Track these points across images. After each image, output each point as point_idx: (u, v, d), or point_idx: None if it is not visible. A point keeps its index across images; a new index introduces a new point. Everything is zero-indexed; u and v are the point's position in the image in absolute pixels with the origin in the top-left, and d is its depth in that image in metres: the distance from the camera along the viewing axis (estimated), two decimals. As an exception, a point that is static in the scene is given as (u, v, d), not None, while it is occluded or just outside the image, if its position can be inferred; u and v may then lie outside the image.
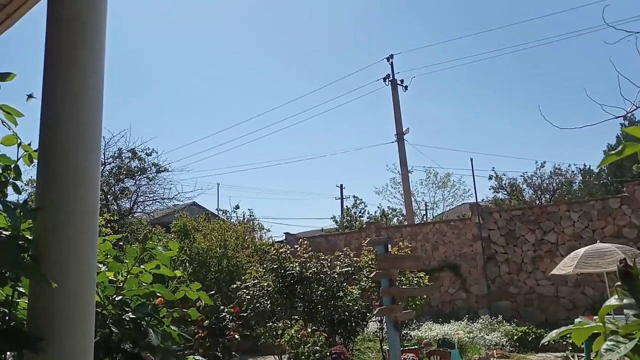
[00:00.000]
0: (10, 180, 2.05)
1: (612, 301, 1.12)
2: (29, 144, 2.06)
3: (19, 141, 2.03)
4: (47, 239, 1.67)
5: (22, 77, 2.07)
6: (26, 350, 1.53)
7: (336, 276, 9.85)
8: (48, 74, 1.84)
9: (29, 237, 1.69)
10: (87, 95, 1.81)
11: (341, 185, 36.12)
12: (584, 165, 27.33)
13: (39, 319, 1.61)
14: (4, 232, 1.60)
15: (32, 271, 1.51)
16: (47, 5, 1.93)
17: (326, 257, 10.52)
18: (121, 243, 2.31)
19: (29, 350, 1.50)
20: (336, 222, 27.94)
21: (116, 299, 2.12)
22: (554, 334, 1.24)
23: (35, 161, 2.05)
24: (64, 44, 1.84)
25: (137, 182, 17.95)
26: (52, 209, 1.67)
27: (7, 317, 1.67)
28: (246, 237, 14.41)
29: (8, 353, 1.62)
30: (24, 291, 1.76)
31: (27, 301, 1.72)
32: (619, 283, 1.12)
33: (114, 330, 2.03)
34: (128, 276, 2.18)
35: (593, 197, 17.92)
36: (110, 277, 2.19)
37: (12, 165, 2.05)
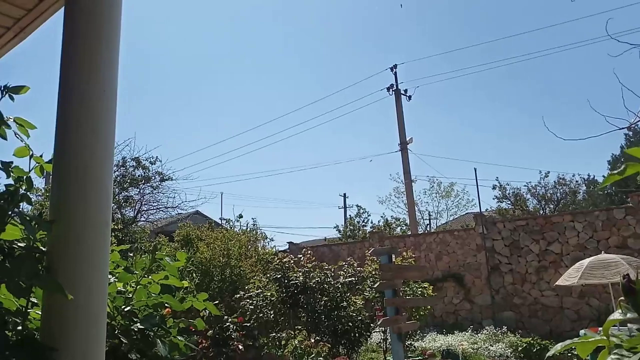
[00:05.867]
0: (23, 191, 2.08)
1: (616, 315, 1.14)
2: (41, 156, 2.09)
3: (31, 153, 2.06)
4: (60, 250, 1.69)
5: (35, 90, 2.11)
6: (39, 360, 1.56)
7: (340, 286, 9.84)
8: (63, 86, 1.88)
9: (43, 249, 1.72)
10: (101, 109, 1.85)
11: (344, 194, 36.18)
12: (588, 175, 27.36)
13: (52, 329, 1.63)
14: (18, 244, 1.63)
15: (49, 282, 1.54)
16: (64, 18, 1.97)
17: (330, 266, 10.53)
18: (131, 254, 2.34)
19: (42, 360, 1.52)
20: (339, 231, 27.90)
21: (125, 309, 2.15)
22: (558, 347, 1.25)
23: (46, 172, 2.09)
24: (80, 58, 1.88)
25: (141, 191, 17.98)
26: (66, 221, 1.70)
27: (19, 327, 1.70)
28: (249, 247, 14.38)
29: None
30: (36, 301, 1.79)
31: (38, 311, 1.75)
32: (622, 298, 1.14)
33: (122, 340, 2.05)
34: (137, 287, 2.20)
35: (597, 208, 17.84)
36: (119, 288, 2.22)
37: (25, 177, 2.08)
